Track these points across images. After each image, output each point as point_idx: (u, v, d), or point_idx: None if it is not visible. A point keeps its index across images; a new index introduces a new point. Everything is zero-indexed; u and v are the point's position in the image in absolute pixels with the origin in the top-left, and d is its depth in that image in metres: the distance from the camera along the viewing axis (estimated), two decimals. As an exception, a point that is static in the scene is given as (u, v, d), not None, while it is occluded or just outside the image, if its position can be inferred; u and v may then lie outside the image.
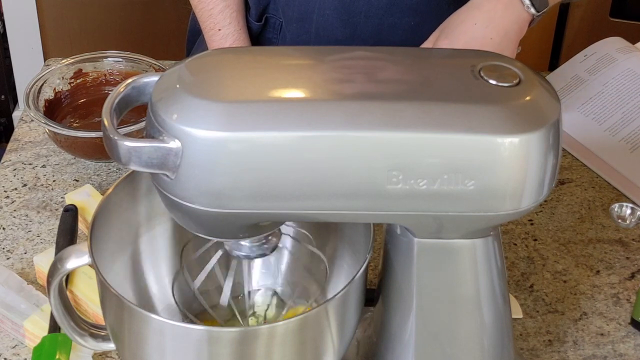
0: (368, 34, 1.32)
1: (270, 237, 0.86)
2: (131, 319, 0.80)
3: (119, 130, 0.73)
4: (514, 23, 1.07)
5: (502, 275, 0.82)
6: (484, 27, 1.06)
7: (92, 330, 0.89)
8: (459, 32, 1.07)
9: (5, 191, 1.20)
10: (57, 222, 1.11)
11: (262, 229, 0.80)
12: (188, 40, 1.57)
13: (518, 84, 0.73)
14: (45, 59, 2.47)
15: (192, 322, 0.92)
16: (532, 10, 1.07)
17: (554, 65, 2.21)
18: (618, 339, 1.03)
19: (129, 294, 0.92)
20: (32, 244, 1.12)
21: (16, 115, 2.74)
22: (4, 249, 1.11)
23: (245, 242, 0.84)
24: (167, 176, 0.72)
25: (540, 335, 1.03)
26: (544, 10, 1.08)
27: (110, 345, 0.88)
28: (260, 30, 1.38)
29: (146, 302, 0.94)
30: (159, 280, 0.96)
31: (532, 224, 1.18)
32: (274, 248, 0.86)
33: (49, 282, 0.84)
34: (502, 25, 1.07)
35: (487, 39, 1.06)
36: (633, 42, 1.41)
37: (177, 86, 0.72)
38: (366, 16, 1.31)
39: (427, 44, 1.11)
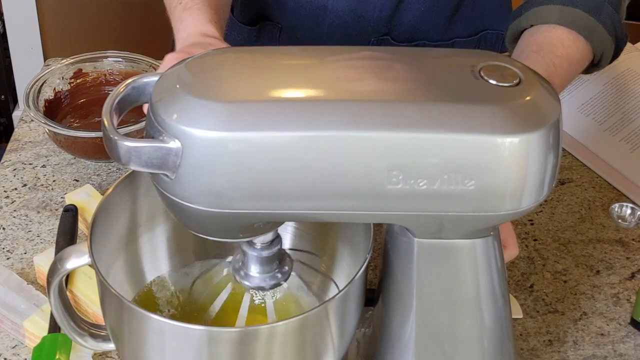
0: (379, 25, 1.33)
1: (283, 266, 0.85)
2: (131, 319, 0.80)
3: (119, 130, 0.73)
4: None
5: (502, 275, 0.82)
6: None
7: (92, 330, 0.89)
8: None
9: (5, 191, 1.20)
10: (57, 222, 1.11)
11: (263, 229, 0.80)
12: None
13: (518, 84, 0.73)
14: (45, 59, 2.48)
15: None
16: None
17: (554, 65, 2.21)
18: (618, 339, 1.03)
19: (129, 294, 0.92)
20: (32, 244, 1.12)
21: (16, 115, 2.74)
22: (4, 249, 1.11)
23: (255, 274, 0.84)
24: (167, 176, 0.72)
25: (540, 335, 1.03)
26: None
27: (110, 345, 0.88)
28: (256, 35, 1.38)
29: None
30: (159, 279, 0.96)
31: (532, 224, 1.18)
32: (288, 276, 0.85)
33: (49, 282, 0.84)
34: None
35: None
36: (633, 42, 1.41)
37: (177, 86, 0.72)
38: (380, 9, 1.31)
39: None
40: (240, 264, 0.84)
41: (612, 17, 1.05)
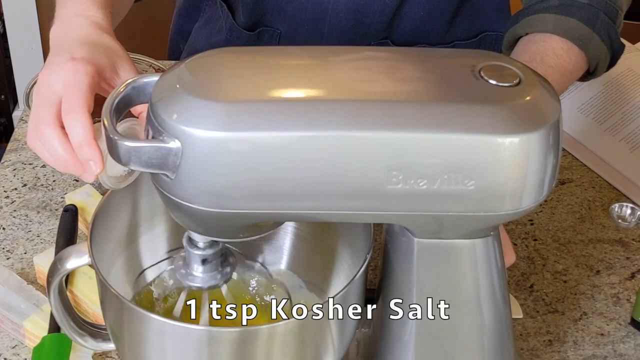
0: (379, 29, 1.33)
1: (225, 267, 0.84)
2: (131, 319, 0.80)
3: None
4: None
5: (502, 275, 0.82)
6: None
7: (92, 330, 0.89)
8: None
9: (5, 191, 1.20)
10: (57, 222, 1.11)
11: (263, 229, 0.80)
12: (171, 41, 1.57)
13: (518, 84, 0.73)
14: (45, 59, 2.47)
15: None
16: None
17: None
18: (618, 339, 1.03)
19: (129, 294, 0.92)
20: (32, 244, 1.12)
21: (16, 115, 2.74)
22: (4, 249, 1.11)
23: (198, 273, 0.83)
24: (167, 176, 0.72)
25: (540, 335, 1.03)
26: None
27: (110, 345, 0.88)
28: (255, 40, 1.38)
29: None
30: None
31: (532, 224, 1.18)
32: (228, 279, 0.84)
33: (49, 282, 0.84)
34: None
35: None
36: (633, 42, 1.41)
37: (177, 86, 0.72)
38: (380, 15, 1.31)
39: None
40: (181, 262, 0.84)
41: (607, 27, 1.04)
